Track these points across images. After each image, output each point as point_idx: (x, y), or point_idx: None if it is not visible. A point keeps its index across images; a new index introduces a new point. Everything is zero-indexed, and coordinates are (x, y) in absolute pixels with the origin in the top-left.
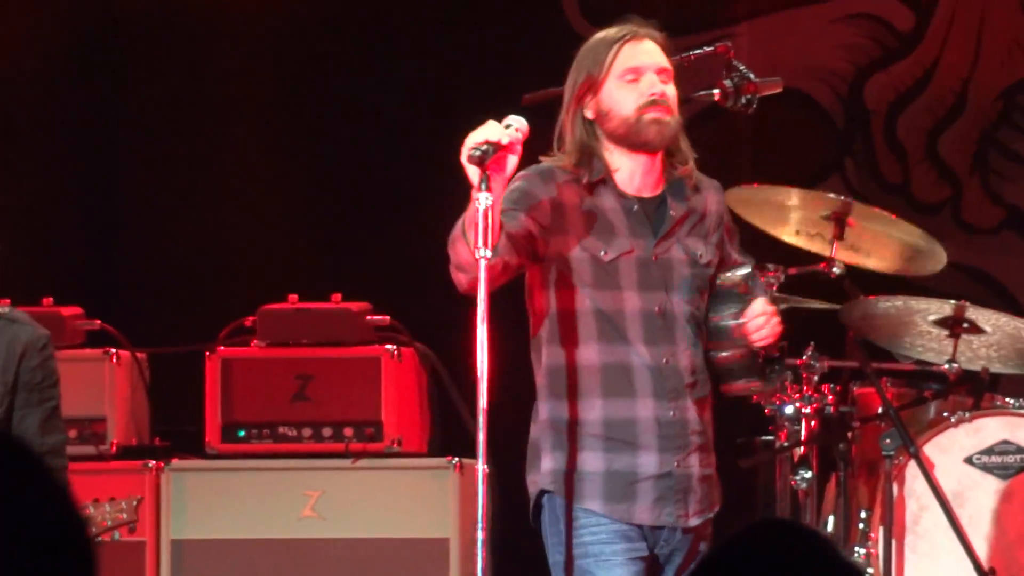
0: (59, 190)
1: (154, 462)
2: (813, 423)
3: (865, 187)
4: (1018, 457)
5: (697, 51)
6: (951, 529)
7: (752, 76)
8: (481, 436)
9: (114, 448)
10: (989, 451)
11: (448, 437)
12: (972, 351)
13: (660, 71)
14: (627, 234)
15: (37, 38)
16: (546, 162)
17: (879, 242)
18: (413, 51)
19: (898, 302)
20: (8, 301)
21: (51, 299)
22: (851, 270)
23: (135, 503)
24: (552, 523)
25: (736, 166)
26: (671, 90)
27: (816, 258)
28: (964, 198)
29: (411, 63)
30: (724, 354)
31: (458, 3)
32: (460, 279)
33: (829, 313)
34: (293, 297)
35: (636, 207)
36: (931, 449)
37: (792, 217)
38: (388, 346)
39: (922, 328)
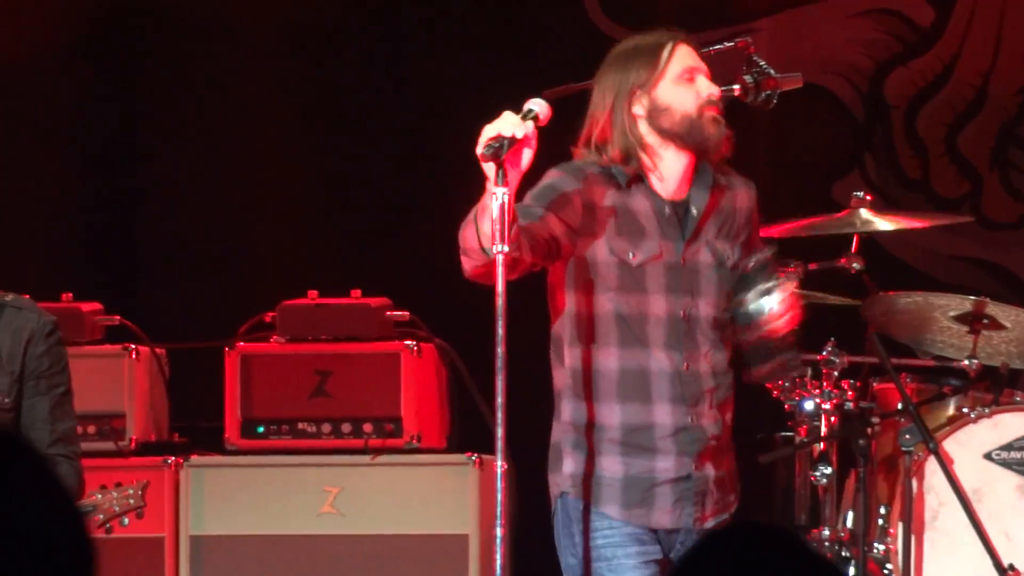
0: (78, 186)
1: (173, 458)
2: (833, 419)
3: (885, 183)
4: None
5: (717, 46)
6: (970, 525)
7: (772, 71)
8: (500, 432)
9: (133, 444)
10: (1009, 447)
11: (467, 433)
12: (992, 347)
13: (708, 76)
14: (657, 237)
15: (54, 33)
16: (578, 160)
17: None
18: (433, 48)
19: (918, 298)
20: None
21: (70, 295)
22: (871, 266)
23: (141, 489)
24: (565, 525)
25: (755, 162)
26: None
27: (836, 254)
28: (984, 193)
29: (431, 60)
30: (749, 338)
31: (478, 0)
32: (465, 264)
33: (849, 309)
34: (313, 293)
35: (668, 210)
36: (951, 445)
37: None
38: (407, 342)
39: (942, 324)
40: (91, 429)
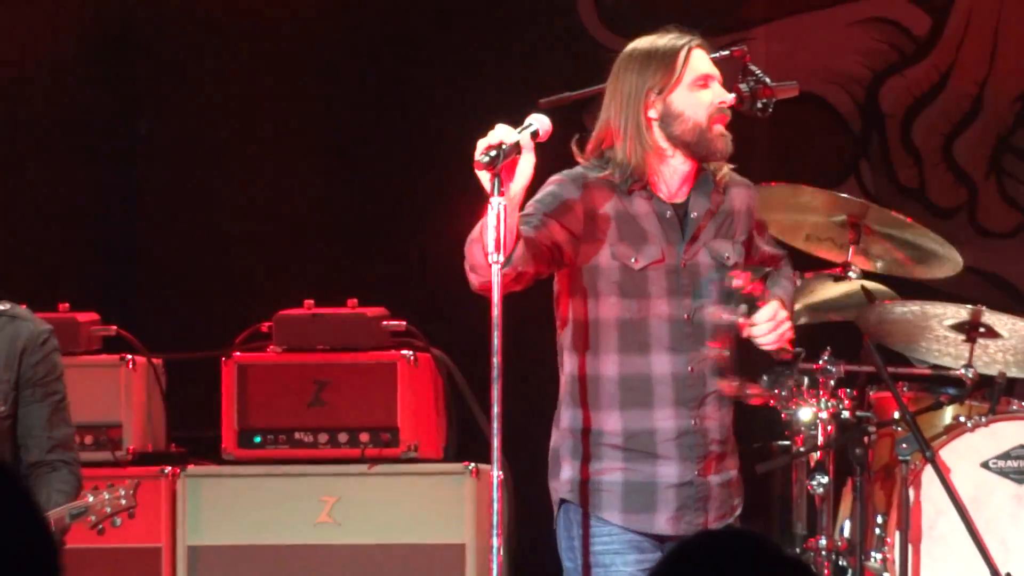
0: (75, 196)
1: (170, 468)
2: (830, 428)
3: (881, 191)
4: None
5: (714, 55)
6: (967, 534)
7: (768, 80)
8: (496, 442)
9: (130, 454)
10: (1006, 456)
11: (464, 442)
12: (989, 355)
13: (721, 81)
14: (659, 241)
15: (55, 43)
16: (579, 167)
17: (893, 246)
18: (429, 57)
19: (914, 307)
20: None
21: (67, 305)
22: (868, 274)
23: (132, 489)
24: (566, 530)
25: (752, 170)
26: None
27: (832, 262)
28: (980, 202)
29: (426, 69)
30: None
31: (474, 8)
32: (472, 279)
33: (846, 318)
34: (309, 302)
35: (670, 213)
36: (947, 454)
37: (807, 220)
38: (404, 351)
39: (938, 333)
40: (88, 439)
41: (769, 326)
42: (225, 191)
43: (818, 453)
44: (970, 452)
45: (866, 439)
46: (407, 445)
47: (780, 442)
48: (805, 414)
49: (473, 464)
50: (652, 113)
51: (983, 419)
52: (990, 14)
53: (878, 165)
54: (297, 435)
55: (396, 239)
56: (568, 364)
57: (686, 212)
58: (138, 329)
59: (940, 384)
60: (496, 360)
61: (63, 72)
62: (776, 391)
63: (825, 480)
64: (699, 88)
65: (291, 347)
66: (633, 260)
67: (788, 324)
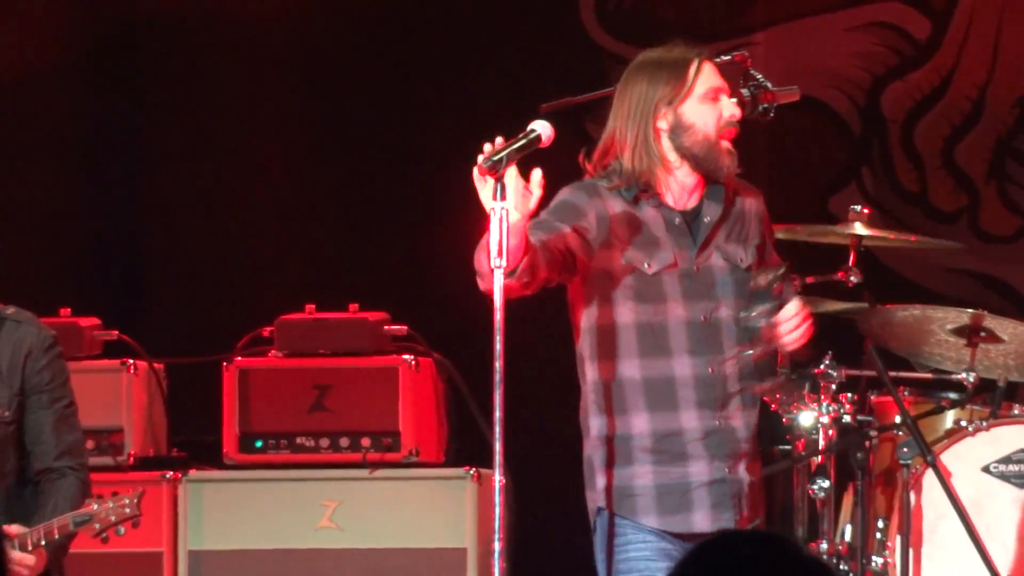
0: (77, 201)
1: (171, 473)
2: (831, 432)
3: (882, 196)
4: None
5: (715, 60)
6: (968, 538)
7: (769, 85)
8: (498, 446)
9: (131, 459)
10: (1007, 460)
11: (466, 447)
12: (990, 360)
13: (729, 95)
14: (670, 247)
15: (57, 47)
16: (589, 179)
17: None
18: (431, 62)
19: (915, 311)
20: None
21: (69, 309)
22: (868, 279)
23: (137, 498)
24: (601, 537)
25: (753, 174)
26: None
27: (833, 267)
28: (981, 206)
29: (428, 73)
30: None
31: (476, 13)
32: (480, 284)
33: (847, 322)
34: (310, 307)
35: (678, 220)
36: (948, 458)
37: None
38: (405, 356)
39: (940, 337)
40: (89, 444)
41: (794, 322)
42: (227, 196)
43: (819, 457)
44: (971, 456)
45: (867, 443)
46: (408, 450)
47: (781, 446)
48: (806, 418)
49: (474, 468)
50: (662, 124)
51: (984, 423)
52: (991, 18)
53: (879, 170)
54: (298, 440)
55: (397, 244)
56: (590, 372)
57: (696, 217)
58: (140, 334)
59: (941, 388)
60: (498, 364)
61: (65, 75)
62: (797, 392)
63: (826, 484)
64: (710, 101)
65: (292, 352)
66: (646, 265)
67: (810, 321)
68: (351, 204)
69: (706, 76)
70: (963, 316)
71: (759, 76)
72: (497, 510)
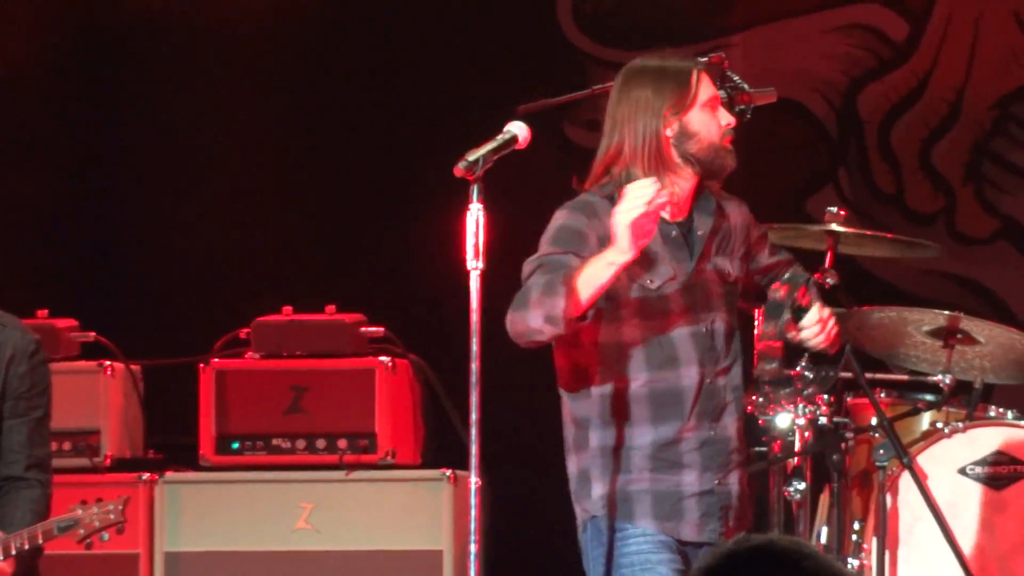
0: (54, 203)
1: (148, 474)
2: (807, 434)
3: (859, 197)
4: (1011, 468)
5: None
6: (944, 540)
7: (746, 86)
8: (474, 448)
9: (108, 460)
10: (983, 462)
11: (442, 449)
12: (966, 362)
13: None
14: (668, 261)
15: (36, 47)
16: (582, 196)
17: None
18: (407, 63)
19: (892, 313)
20: None
21: (46, 311)
22: (844, 280)
23: (122, 505)
24: (595, 540)
25: (730, 177)
26: None
27: (810, 269)
28: (958, 208)
29: (405, 75)
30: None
31: (453, 14)
32: (543, 330)
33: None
34: (287, 309)
35: (675, 232)
36: (925, 460)
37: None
38: (382, 357)
39: (916, 339)
40: (66, 445)
41: (818, 328)
42: (204, 198)
43: (795, 459)
44: (947, 458)
45: (843, 445)
46: (385, 451)
47: (757, 448)
48: (782, 420)
49: (451, 470)
50: (668, 132)
51: (960, 425)
52: (968, 20)
53: (856, 172)
54: (275, 441)
55: (374, 246)
56: (597, 384)
57: (690, 230)
58: (117, 335)
59: (917, 390)
60: (474, 366)
61: (43, 80)
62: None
63: (802, 486)
64: (711, 109)
65: (269, 353)
66: (649, 281)
67: (834, 320)
68: (328, 206)
69: (706, 86)
70: (939, 318)
71: (736, 78)
72: (473, 512)
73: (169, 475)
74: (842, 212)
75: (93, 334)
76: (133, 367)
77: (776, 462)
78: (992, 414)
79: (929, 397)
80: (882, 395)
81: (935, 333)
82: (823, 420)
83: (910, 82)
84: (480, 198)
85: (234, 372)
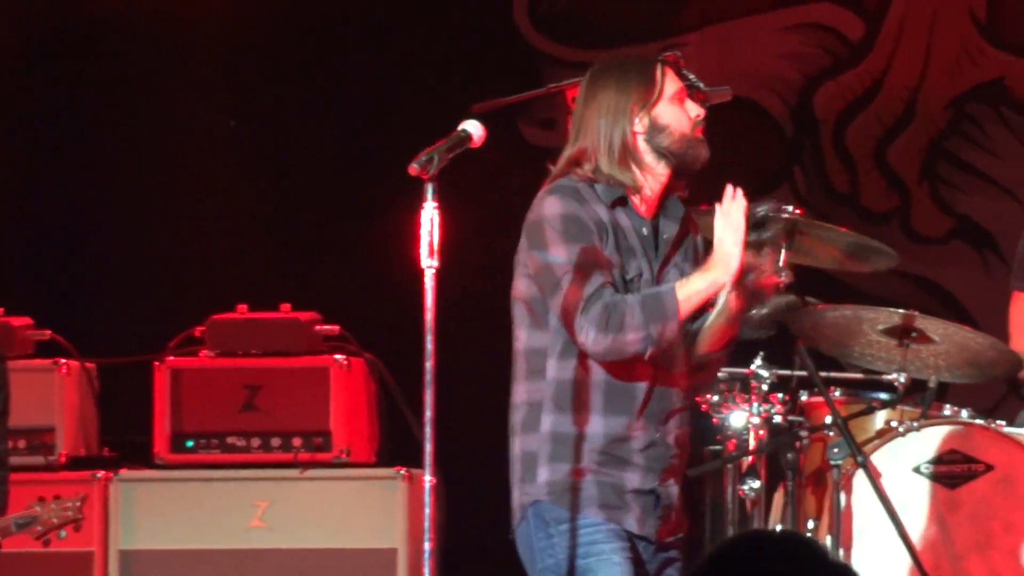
0: (10, 201)
1: (103, 472)
2: (761, 433)
3: (814, 196)
4: (966, 467)
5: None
6: (899, 538)
7: (701, 85)
8: (428, 446)
9: (63, 458)
10: (937, 460)
11: (397, 447)
12: (921, 360)
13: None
14: (640, 256)
15: None
16: (566, 181)
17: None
18: (362, 62)
19: (847, 311)
20: None
21: (1, 309)
22: (800, 280)
23: (80, 502)
24: (540, 529)
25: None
26: None
27: None
28: (913, 207)
29: (360, 74)
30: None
31: (409, 14)
32: (645, 351)
33: (778, 322)
34: (242, 307)
35: (646, 230)
36: (879, 458)
37: None
38: (337, 356)
39: (871, 338)
40: (21, 443)
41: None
42: (159, 197)
43: (750, 458)
44: (902, 457)
45: (798, 444)
46: (339, 450)
47: (712, 447)
48: (737, 419)
49: (405, 469)
50: (638, 127)
51: (915, 424)
52: (923, 20)
53: (811, 170)
54: (230, 439)
55: (329, 244)
56: (553, 369)
57: (658, 231)
58: (72, 334)
59: (872, 389)
60: (429, 365)
61: (2, 78)
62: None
63: (757, 485)
64: (679, 102)
65: (224, 352)
66: (624, 271)
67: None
68: (283, 204)
69: (672, 79)
70: (894, 317)
71: (691, 76)
72: (427, 510)
73: (124, 473)
74: (797, 211)
75: (48, 332)
76: (88, 365)
77: (731, 461)
78: (947, 413)
79: (883, 396)
80: (837, 394)
81: (890, 332)
82: (778, 419)
83: (865, 81)
84: (435, 197)
85: (189, 370)
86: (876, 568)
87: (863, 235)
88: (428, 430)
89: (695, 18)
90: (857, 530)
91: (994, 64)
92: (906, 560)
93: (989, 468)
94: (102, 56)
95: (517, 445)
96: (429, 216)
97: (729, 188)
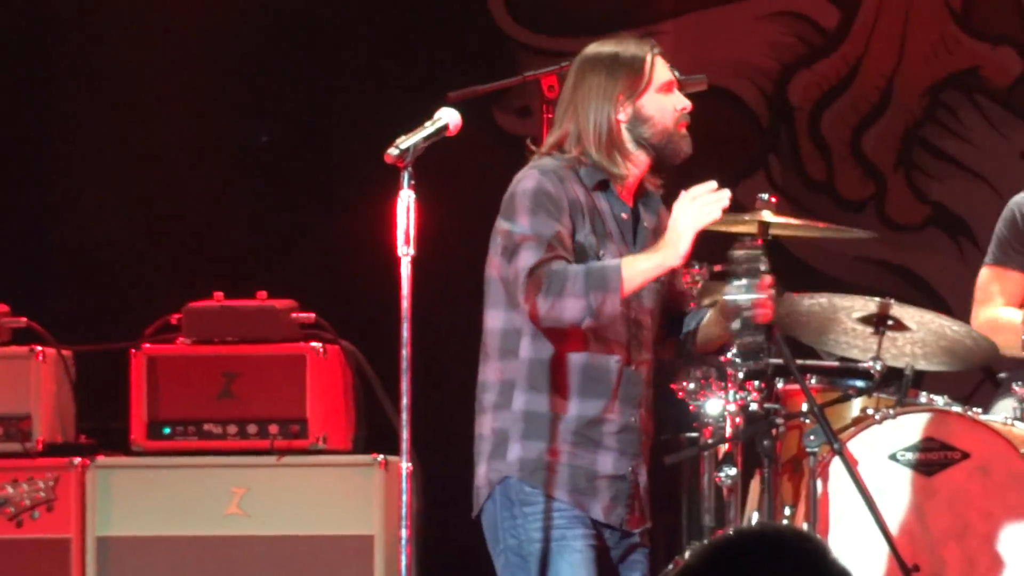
0: None
1: (79, 459)
2: (738, 420)
3: (790, 185)
4: (942, 454)
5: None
6: (875, 526)
7: (677, 73)
8: (405, 433)
9: (40, 445)
10: (913, 448)
11: (373, 434)
12: (897, 348)
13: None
14: (617, 241)
15: None
16: (546, 160)
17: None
18: (337, 49)
19: (822, 299)
20: None
21: None
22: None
23: (52, 482)
24: (506, 508)
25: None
26: None
27: None
28: (888, 195)
29: (335, 61)
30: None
31: (384, 3)
32: (582, 321)
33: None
34: (219, 294)
35: (625, 216)
36: (855, 446)
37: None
38: (313, 343)
39: (847, 325)
40: None
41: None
42: (135, 183)
43: (726, 445)
44: (878, 444)
45: (774, 431)
46: (316, 437)
47: (688, 434)
48: (713, 406)
49: (382, 456)
50: (621, 116)
51: (891, 411)
52: (899, 7)
53: (787, 159)
54: (206, 427)
55: (305, 232)
56: (528, 349)
57: (637, 219)
58: (48, 321)
59: (848, 376)
60: (405, 352)
61: None
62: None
63: (733, 472)
64: (666, 93)
65: (200, 339)
66: (601, 254)
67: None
68: (259, 191)
69: (661, 69)
70: (870, 304)
71: (667, 65)
72: (404, 497)
73: (100, 460)
74: (773, 199)
75: (24, 319)
76: (64, 352)
77: (707, 448)
78: (922, 400)
79: (860, 383)
80: (813, 381)
81: (866, 320)
82: (754, 406)
83: (841, 69)
84: (411, 185)
85: (165, 358)
86: (853, 555)
87: (840, 226)
88: (404, 417)
89: (670, 6)
90: (834, 517)
91: (969, 53)
92: (883, 547)
93: (965, 456)
94: (72, 42)
95: (487, 423)
96: (405, 204)
97: (713, 183)
